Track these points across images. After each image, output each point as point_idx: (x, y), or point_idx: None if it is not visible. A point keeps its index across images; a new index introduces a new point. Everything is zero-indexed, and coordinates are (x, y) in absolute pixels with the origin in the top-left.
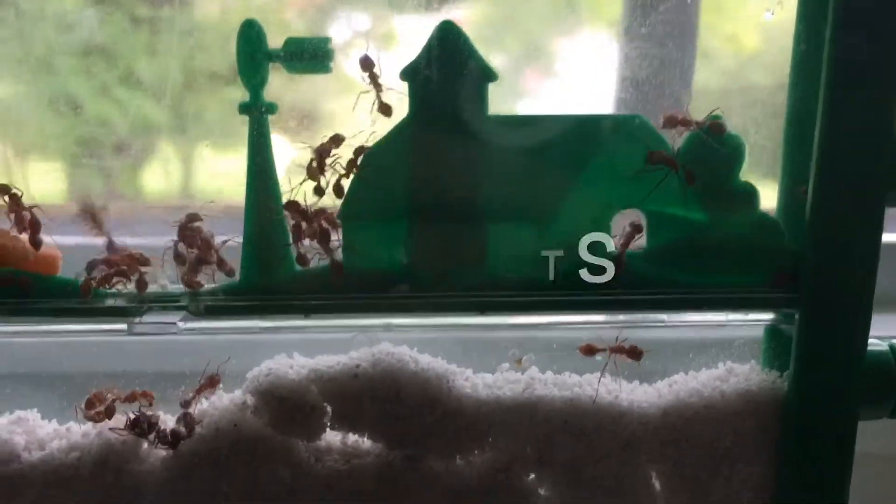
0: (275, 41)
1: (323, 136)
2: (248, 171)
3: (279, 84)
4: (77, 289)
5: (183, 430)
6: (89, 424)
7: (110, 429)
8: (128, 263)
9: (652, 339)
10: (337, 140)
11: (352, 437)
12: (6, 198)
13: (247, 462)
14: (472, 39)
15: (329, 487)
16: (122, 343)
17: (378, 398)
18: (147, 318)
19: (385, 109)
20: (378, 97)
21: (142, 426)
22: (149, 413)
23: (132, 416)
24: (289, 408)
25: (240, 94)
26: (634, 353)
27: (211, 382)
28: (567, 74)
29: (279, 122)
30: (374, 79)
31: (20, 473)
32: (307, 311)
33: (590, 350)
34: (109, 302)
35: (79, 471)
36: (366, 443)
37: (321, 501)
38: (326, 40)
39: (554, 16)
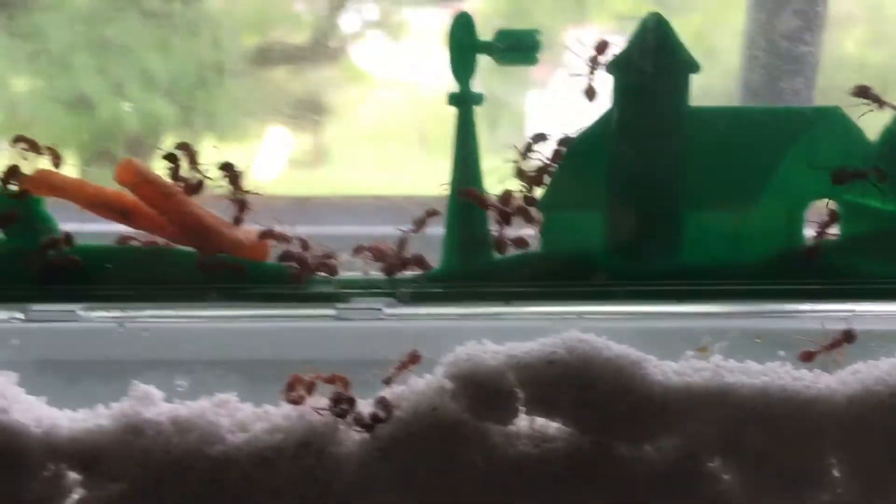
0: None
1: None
2: (453, 161)
3: (283, 76)
4: (288, 275)
5: (381, 412)
6: (289, 407)
7: (313, 407)
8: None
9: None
10: (541, 137)
11: (539, 421)
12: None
13: (443, 446)
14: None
15: (520, 471)
16: (311, 330)
17: (573, 384)
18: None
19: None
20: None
21: (342, 406)
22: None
23: (333, 395)
24: (486, 393)
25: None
26: (850, 337)
27: (412, 359)
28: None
29: (279, 114)
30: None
31: (225, 454)
32: (508, 299)
33: (809, 356)
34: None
35: (282, 452)
36: (552, 427)
37: (511, 485)
38: (536, 31)
39: (564, 7)
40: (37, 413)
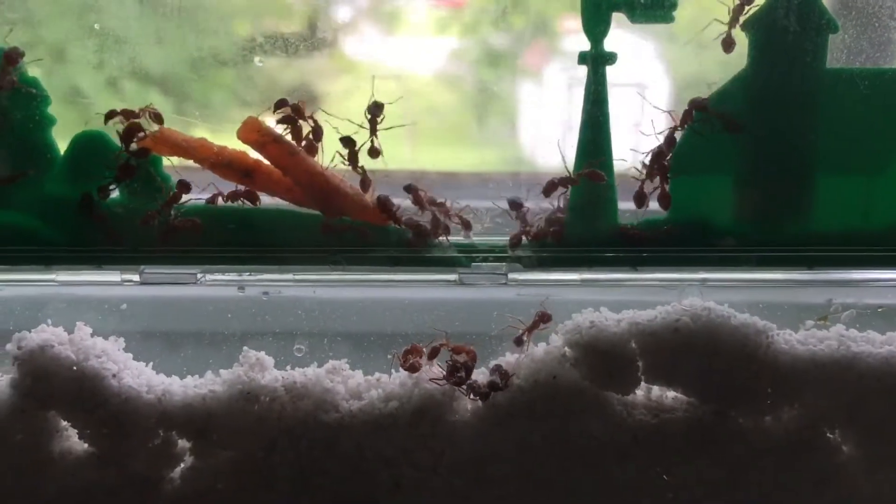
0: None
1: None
2: (581, 121)
3: (275, 65)
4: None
5: (499, 381)
6: (404, 375)
7: (431, 378)
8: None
9: None
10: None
11: (655, 391)
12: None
13: (562, 414)
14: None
15: (636, 441)
16: (422, 301)
17: (697, 353)
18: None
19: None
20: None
21: (460, 375)
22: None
23: (449, 363)
24: (608, 361)
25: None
26: None
27: (543, 318)
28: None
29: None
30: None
31: (339, 422)
32: (635, 265)
33: None
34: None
35: (397, 420)
36: (668, 397)
37: (629, 455)
38: None
39: None
40: (148, 379)
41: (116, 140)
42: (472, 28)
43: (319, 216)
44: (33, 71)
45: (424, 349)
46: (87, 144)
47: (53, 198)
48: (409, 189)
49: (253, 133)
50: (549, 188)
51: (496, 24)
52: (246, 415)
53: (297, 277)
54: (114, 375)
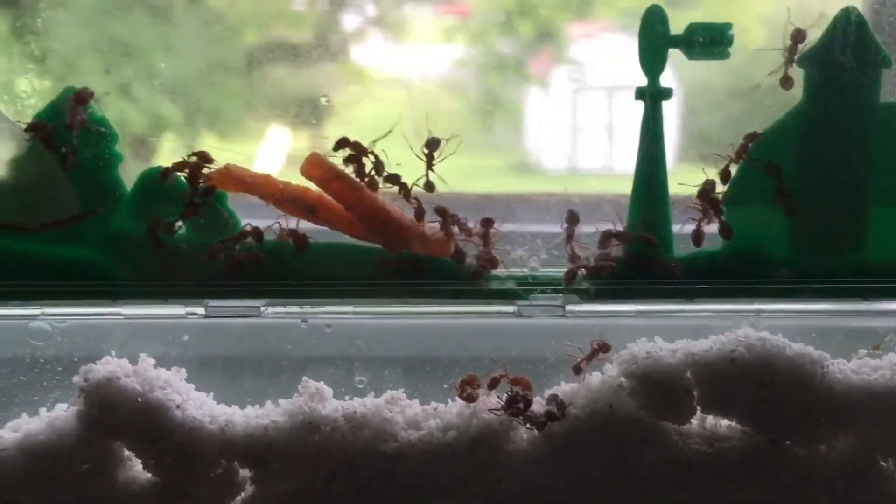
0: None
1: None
2: (638, 155)
3: (283, 74)
4: (468, 271)
5: (556, 410)
6: (460, 404)
7: (490, 409)
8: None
9: None
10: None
11: (709, 420)
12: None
13: (619, 444)
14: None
15: (691, 470)
16: (476, 327)
17: (753, 382)
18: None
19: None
20: None
21: (518, 406)
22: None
23: (509, 395)
24: (665, 391)
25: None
26: None
27: (601, 348)
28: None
29: (283, 113)
30: None
31: (398, 452)
32: (690, 296)
33: None
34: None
35: (455, 449)
36: (722, 426)
37: (683, 484)
38: (728, 26)
39: (568, 2)
40: (210, 409)
41: (182, 176)
42: (479, 36)
43: (379, 249)
44: None
45: (480, 379)
46: (152, 181)
47: (120, 233)
48: (441, 213)
49: (316, 169)
50: (605, 240)
51: (503, 31)
52: (307, 445)
53: (356, 310)
54: (178, 406)
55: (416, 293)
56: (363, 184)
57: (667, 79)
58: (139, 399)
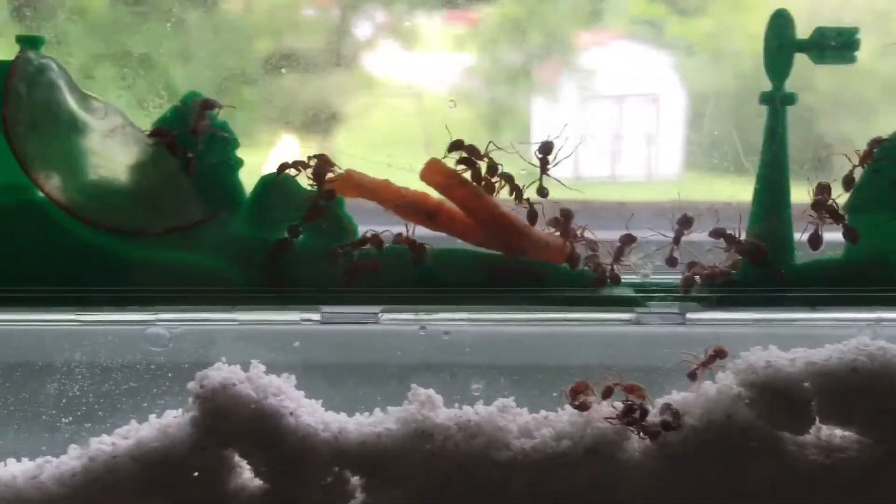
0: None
1: None
2: (760, 160)
3: (292, 81)
4: (587, 278)
5: (671, 420)
6: (571, 412)
7: (605, 417)
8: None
9: None
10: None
11: (824, 430)
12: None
13: (736, 454)
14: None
15: (810, 481)
16: (585, 334)
17: (875, 392)
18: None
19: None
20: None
21: (634, 415)
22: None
23: (626, 404)
24: (785, 401)
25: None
26: None
27: (718, 354)
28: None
29: (290, 120)
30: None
31: (511, 460)
32: (812, 304)
33: None
34: (617, 291)
35: (569, 458)
36: (837, 437)
37: (800, 495)
38: (855, 30)
39: (578, 10)
40: (321, 416)
41: (299, 181)
42: (488, 44)
43: (497, 255)
44: None
45: (591, 386)
46: (273, 186)
47: (239, 238)
48: (565, 215)
49: (438, 175)
50: (724, 239)
51: (512, 39)
52: (420, 453)
53: (471, 317)
54: (291, 413)
55: (535, 300)
56: (483, 190)
57: (677, 86)
58: (253, 406)
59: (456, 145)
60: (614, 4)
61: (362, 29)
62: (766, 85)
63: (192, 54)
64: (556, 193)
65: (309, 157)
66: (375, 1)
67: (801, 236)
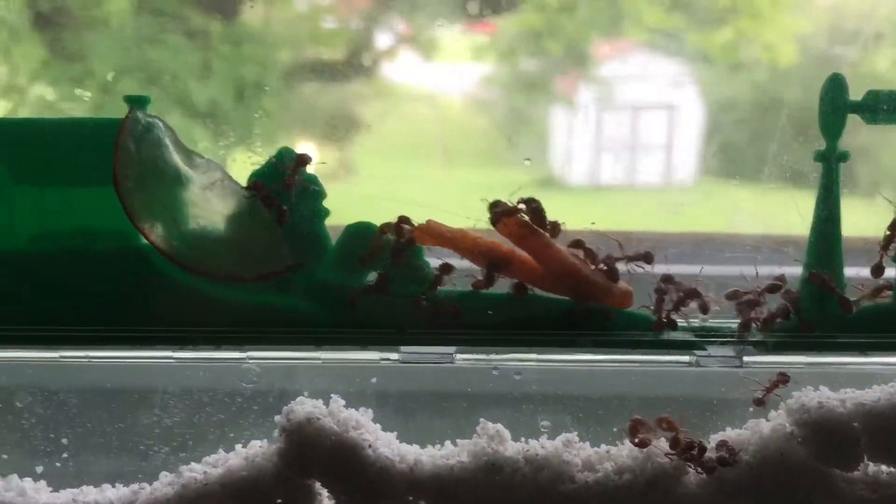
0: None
1: None
2: (815, 215)
3: (312, 90)
4: (648, 321)
5: (727, 456)
6: (630, 446)
7: (665, 452)
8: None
9: None
10: None
11: (871, 467)
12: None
13: (788, 490)
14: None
15: None
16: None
17: None
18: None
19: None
20: None
21: (692, 451)
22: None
23: (685, 441)
24: (836, 440)
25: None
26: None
27: (782, 380)
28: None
29: (308, 128)
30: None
31: (575, 493)
32: (863, 349)
33: None
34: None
35: (630, 492)
36: (883, 472)
37: None
38: None
39: (597, 21)
40: (397, 448)
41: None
42: (507, 54)
43: (567, 301)
44: None
45: (647, 422)
46: (357, 234)
47: (325, 283)
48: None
49: (512, 226)
50: (775, 289)
51: (530, 50)
52: (490, 485)
53: (541, 357)
54: (370, 446)
55: (600, 343)
56: (553, 240)
57: (693, 96)
58: (335, 438)
59: (528, 204)
60: (633, 15)
61: (382, 39)
62: (784, 95)
63: (214, 66)
64: None
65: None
66: (395, 11)
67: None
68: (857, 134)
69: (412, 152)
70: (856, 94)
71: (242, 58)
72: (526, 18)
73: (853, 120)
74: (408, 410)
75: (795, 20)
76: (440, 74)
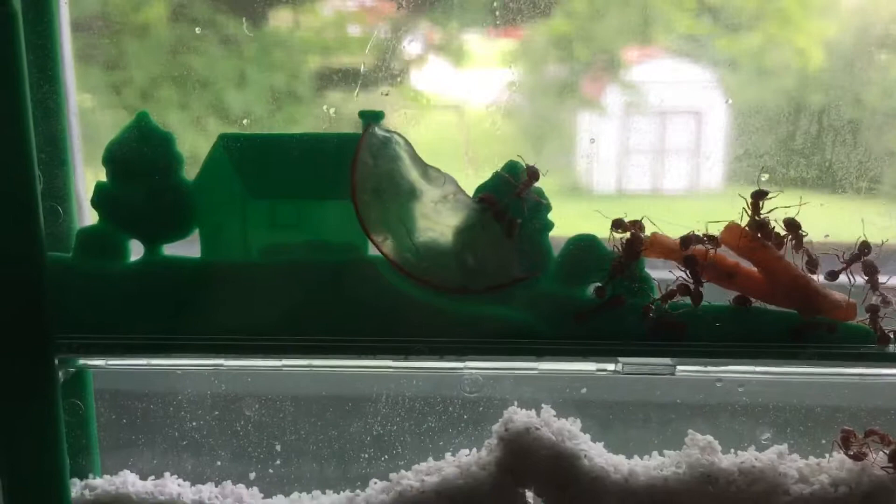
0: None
1: None
2: None
3: (337, 98)
4: (868, 334)
5: None
6: (840, 458)
7: (882, 466)
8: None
9: None
10: None
11: None
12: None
13: None
14: None
15: None
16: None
17: None
18: None
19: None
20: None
21: None
22: None
23: None
24: None
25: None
26: None
27: None
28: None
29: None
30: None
31: None
32: None
33: None
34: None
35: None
36: None
37: None
38: None
39: (628, 27)
40: (608, 458)
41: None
42: (535, 59)
43: (793, 314)
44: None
45: (856, 434)
46: (581, 246)
47: (548, 294)
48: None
49: (742, 239)
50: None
51: (559, 56)
52: (704, 496)
53: (758, 369)
54: (585, 456)
55: (825, 355)
56: (781, 253)
57: (719, 98)
58: (551, 448)
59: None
60: (661, 21)
61: (409, 45)
62: (810, 99)
63: (248, 73)
64: None
65: (631, 222)
66: (422, 17)
67: None
68: None
69: (438, 159)
70: (885, 97)
71: (273, 65)
72: (554, 25)
73: None
74: (606, 419)
75: (824, 24)
76: (467, 81)
